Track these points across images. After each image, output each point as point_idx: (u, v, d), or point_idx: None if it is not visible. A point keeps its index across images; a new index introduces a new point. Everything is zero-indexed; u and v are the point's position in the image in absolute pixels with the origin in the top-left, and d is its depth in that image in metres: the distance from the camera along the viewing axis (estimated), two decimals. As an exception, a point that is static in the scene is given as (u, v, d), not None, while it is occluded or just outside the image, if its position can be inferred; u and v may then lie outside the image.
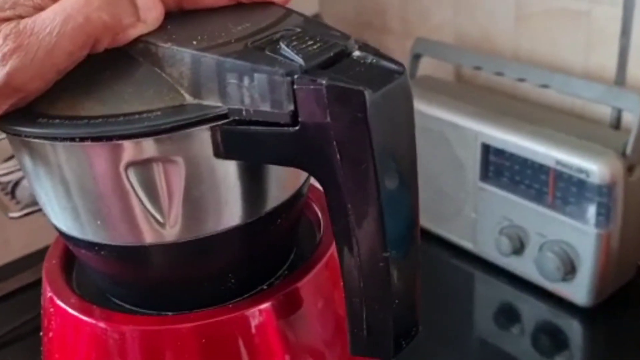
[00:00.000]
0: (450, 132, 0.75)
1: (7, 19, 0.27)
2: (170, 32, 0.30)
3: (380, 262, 0.30)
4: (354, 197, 0.28)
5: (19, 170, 0.70)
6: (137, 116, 0.29)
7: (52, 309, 0.37)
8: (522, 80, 0.74)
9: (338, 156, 0.28)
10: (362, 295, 0.31)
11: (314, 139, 0.28)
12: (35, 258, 0.80)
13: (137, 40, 0.29)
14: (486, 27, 0.82)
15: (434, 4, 0.87)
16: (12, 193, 0.72)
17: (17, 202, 0.72)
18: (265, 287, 0.36)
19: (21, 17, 0.28)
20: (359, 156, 0.27)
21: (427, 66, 0.84)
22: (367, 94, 0.26)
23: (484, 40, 0.83)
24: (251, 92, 0.28)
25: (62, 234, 0.35)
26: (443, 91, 0.79)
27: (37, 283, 0.75)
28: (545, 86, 0.72)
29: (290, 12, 0.33)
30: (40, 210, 0.73)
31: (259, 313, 0.35)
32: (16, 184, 0.71)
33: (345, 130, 0.27)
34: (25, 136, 0.30)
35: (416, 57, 0.83)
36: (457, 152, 0.75)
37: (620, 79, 0.71)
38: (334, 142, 0.28)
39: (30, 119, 0.29)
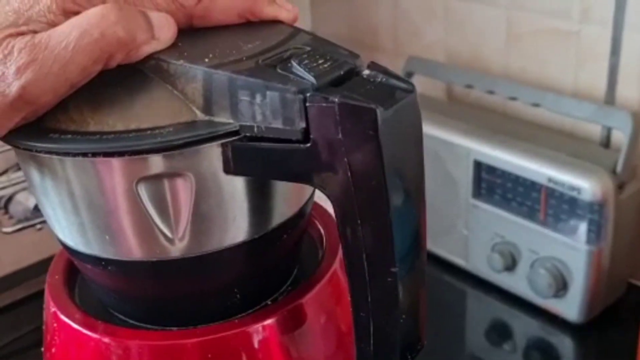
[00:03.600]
0: (443, 150, 0.75)
1: (22, 34, 0.28)
2: (182, 49, 0.30)
3: (388, 277, 0.30)
4: (364, 212, 0.29)
5: (12, 185, 0.70)
6: (148, 132, 0.29)
7: (55, 324, 0.37)
8: (513, 98, 0.76)
9: (349, 172, 0.28)
10: (369, 310, 0.31)
11: (325, 156, 0.28)
12: (25, 274, 0.80)
13: (149, 57, 0.30)
14: (477, 46, 0.83)
15: (425, 23, 0.88)
16: (5, 208, 0.71)
17: (10, 217, 0.72)
18: (269, 302, 0.36)
19: (35, 32, 0.28)
20: (370, 172, 0.28)
21: (418, 84, 0.83)
22: (379, 111, 0.27)
23: (475, 59, 0.84)
24: (263, 109, 0.28)
25: (68, 249, 0.35)
26: (435, 109, 0.80)
27: (27, 299, 0.75)
28: (536, 105, 0.73)
29: (297, 30, 0.33)
30: (32, 226, 0.74)
31: (263, 328, 0.35)
32: (9, 199, 0.71)
33: (357, 147, 0.28)
34: (37, 151, 0.30)
35: (408, 76, 0.84)
36: (449, 169, 0.75)
37: (610, 98, 0.72)
38: (345, 159, 0.28)
39: (42, 134, 0.29)
